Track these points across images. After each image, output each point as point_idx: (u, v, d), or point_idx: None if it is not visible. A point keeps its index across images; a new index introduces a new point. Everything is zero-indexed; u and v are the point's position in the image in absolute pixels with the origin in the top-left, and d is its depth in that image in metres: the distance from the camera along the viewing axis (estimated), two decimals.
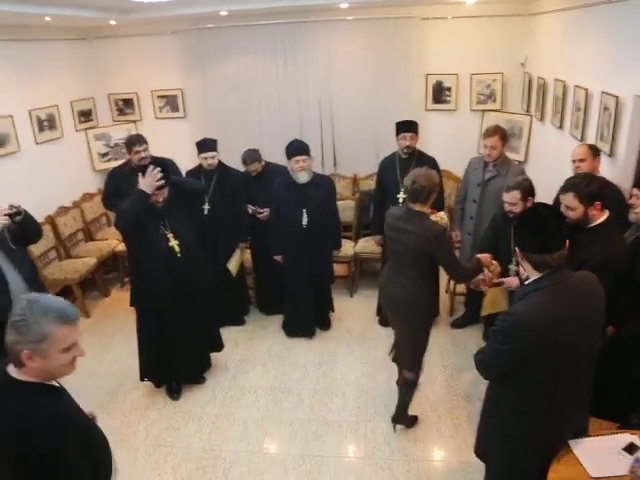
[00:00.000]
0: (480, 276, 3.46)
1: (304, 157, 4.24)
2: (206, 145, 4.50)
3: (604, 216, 2.83)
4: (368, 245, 5.31)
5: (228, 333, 4.88)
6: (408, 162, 4.48)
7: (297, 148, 4.26)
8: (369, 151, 6.15)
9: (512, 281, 3.25)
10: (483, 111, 6.05)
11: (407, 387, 3.59)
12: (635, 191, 3.03)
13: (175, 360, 3.97)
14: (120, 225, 3.73)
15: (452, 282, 5.03)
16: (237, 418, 3.83)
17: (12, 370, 1.70)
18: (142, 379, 4.09)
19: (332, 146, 6.43)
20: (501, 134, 4.18)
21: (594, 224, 2.82)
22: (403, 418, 3.62)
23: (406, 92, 6.05)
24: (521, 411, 2.24)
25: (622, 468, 2.20)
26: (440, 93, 6.09)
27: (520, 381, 2.19)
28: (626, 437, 2.38)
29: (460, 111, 6.13)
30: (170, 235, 3.67)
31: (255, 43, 6.13)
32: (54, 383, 1.79)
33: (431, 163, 4.48)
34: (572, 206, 2.78)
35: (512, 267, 3.46)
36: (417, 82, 6.05)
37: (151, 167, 3.49)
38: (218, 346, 4.36)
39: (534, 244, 2.11)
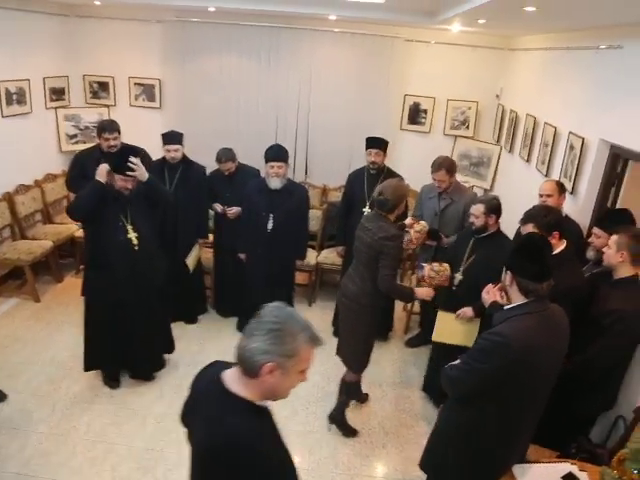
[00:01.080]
0: (422, 272, 3.69)
1: (280, 164, 4.24)
2: (171, 137, 4.46)
3: (562, 246, 2.99)
4: (331, 256, 5.34)
5: (182, 332, 4.82)
6: (376, 177, 4.55)
7: (275, 154, 4.25)
8: (341, 163, 6.19)
9: (466, 312, 3.47)
10: (456, 136, 6.19)
11: (347, 389, 3.68)
12: (596, 230, 3.16)
13: (124, 355, 3.89)
14: (72, 214, 3.67)
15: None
16: None
17: (231, 380, 1.57)
18: (87, 369, 3.99)
19: (305, 154, 6.45)
20: (447, 168, 4.24)
21: (554, 253, 2.91)
22: (340, 423, 3.71)
23: (383, 109, 6.14)
24: (480, 431, 2.29)
25: None
26: (416, 114, 6.20)
27: (485, 401, 2.24)
28: (566, 467, 2.48)
29: (433, 134, 6.25)
30: (130, 227, 3.61)
31: (239, 43, 6.10)
32: (265, 404, 1.63)
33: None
34: None
35: (457, 275, 3.67)
36: (395, 101, 6.14)
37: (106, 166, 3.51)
38: (170, 347, 4.29)
39: (532, 272, 2.17)
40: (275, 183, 4.27)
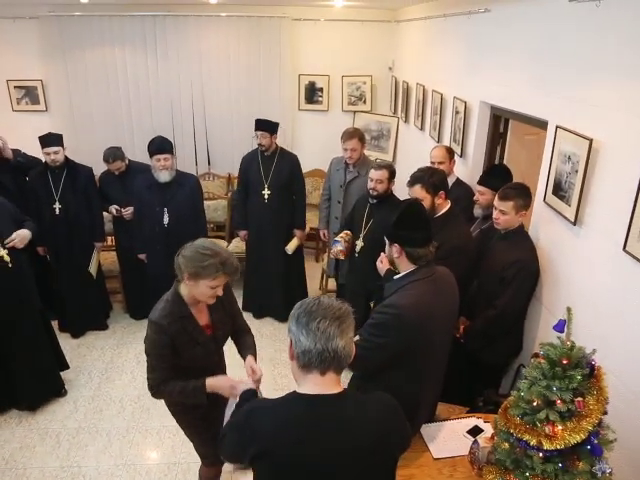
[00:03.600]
0: (339, 247, 3.72)
1: (165, 155, 4.11)
2: (49, 139, 4.22)
3: (447, 206, 3.07)
4: (241, 245, 5.27)
5: (94, 340, 4.67)
6: (270, 158, 4.57)
7: (159, 146, 4.11)
8: (244, 150, 6.05)
9: None
10: (354, 112, 6.25)
11: None
12: (479, 188, 3.29)
13: (13, 382, 3.67)
14: None
15: (325, 279, 5.15)
16: (100, 430, 3.63)
17: (325, 386, 1.51)
18: None
19: (206, 145, 6.31)
20: (359, 136, 4.31)
21: (440, 213, 3.04)
22: None
23: (279, 91, 6.10)
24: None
25: (463, 449, 2.36)
26: (312, 93, 6.20)
27: (388, 372, 2.25)
28: (471, 421, 2.57)
29: (332, 111, 6.29)
30: None
31: (122, 35, 5.84)
32: None
33: (293, 160, 4.67)
34: (421, 197, 2.94)
35: (358, 242, 3.77)
36: (290, 82, 6.11)
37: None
38: (64, 365, 4.07)
39: (417, 238, 2.20)
40: (164, 176, 4.14)
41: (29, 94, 6.10)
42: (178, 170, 4.34)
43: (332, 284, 5.06)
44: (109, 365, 4.33)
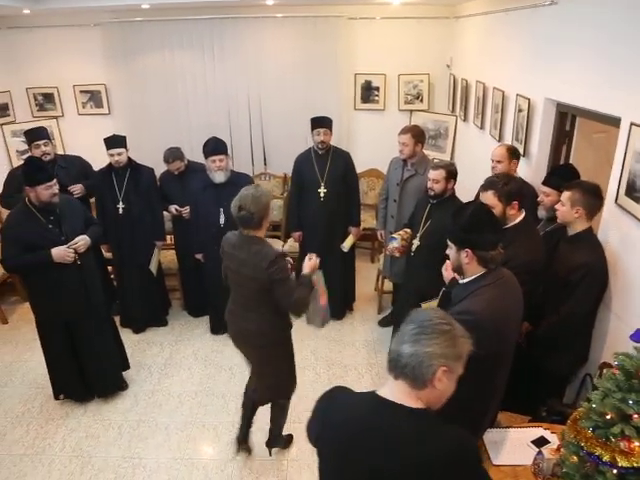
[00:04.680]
0: (394, 244, 3.69)
1: (220, 156, 4.16)
2: (113, 141, 4.37)
3: (521, 216, 2.89)
4: (295, 245, 5.27)
5: (153, 336, 4.80)
6: (324, 157, 4.57)
7: (214, 147, 4.17)
8: (299, 150, 6.11)
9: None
10: (411, 111, 6.16)
11: (281, 410, 3.30)
12: (544, 188, 3.17)
13: (83, 375, 3.85)
14: (7, 269, 3.65)
15: (380, 280, 5.10)
16: (159, 424, 3.73)
17: (400, 398, 1.43)
18: (57, 397, 3.96)
19: (262, 145, 6.37)
20: (413, 133, 4.24)
21: (511, 224, 2.87)
22: (278, 441, 3.41)
23: (335, 91, 6.08)
24: (463, 407, 2.27)
25: (526, 458, 2.28)
26: (369, 93, 6.15)
27: (465, 378, 2.20)
28: (537, 431, 2.48)
29: (388, 111, 6.22)
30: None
31: (181, 39, 5.98)
32: None
33: (346, 157, 4.66)
34: (491, 204, 2.78)
35: (415, 241, 3.73)
36: (346, 81, 6.08)
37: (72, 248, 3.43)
38: (125, 361, 4.19)
39: (488, 240, 2.14)
40: (220, 177, 4.19)
41: (93, 98, 6.35)
42: (233, 170, 4.39)
43: (388, 285, 5.01)
44: (168, 361, 4.44)
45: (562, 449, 1.95)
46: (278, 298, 2.77)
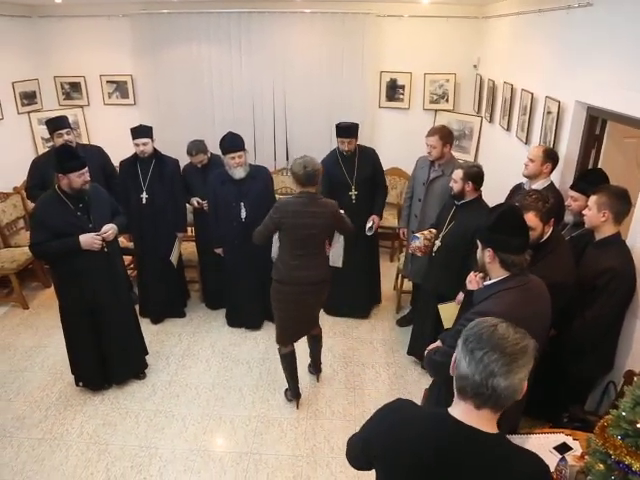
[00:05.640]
0: (416, 243, 3.75)
1: (239, 153, 4.15)
2: (139, 131, 4.40)
3: (550, 229, 2.80)
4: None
5: (172, 327, 4.83)
6: (351, 158, 4.51)
7: (232, 144, 4.14)
8: (323, 146, 6.10)
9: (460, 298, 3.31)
10: (435, 111, 6.11)
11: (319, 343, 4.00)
12: (572, 193, 3.12)
13: (105, 362, 3.89)
14: (36, 257, 3.78)
15: (400, 279, 5.07)
16: (176, 415, 3.75)
17: (472, 420, 1.39)
18: (77, 384, 4.00)
19: (285, 140, 6.37)
20: (441, 134, 4.18)
21: (542, 240, 2.76)
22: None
23: (360, 88, 6.05)
24: None
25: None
26: (394, 91, 6.12)
27: None
28: (559, 437, 2.44)
29: (413, 110, 6.18)
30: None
31: (208, 32, 6.00)
32: None
33: (372, 155, 4.62)
34: (533, 226, 2.62)
35: (437, 242, 3.75)
36: (371, 79, 6.05)
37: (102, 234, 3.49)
38: (144, 349, 4.24)
39: (513, 244, 2.11)
40: (239, 173, 4.19)
41: (119, 88, 6.40)
42: (251, 164, 4.38)
43: (407, 285, 4.98)
44: (186, 352, 4.46)
45: (587, 456, 1.91)
46: (344, 228, 3.61)
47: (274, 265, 3.59)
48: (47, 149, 5.86)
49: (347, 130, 4.41)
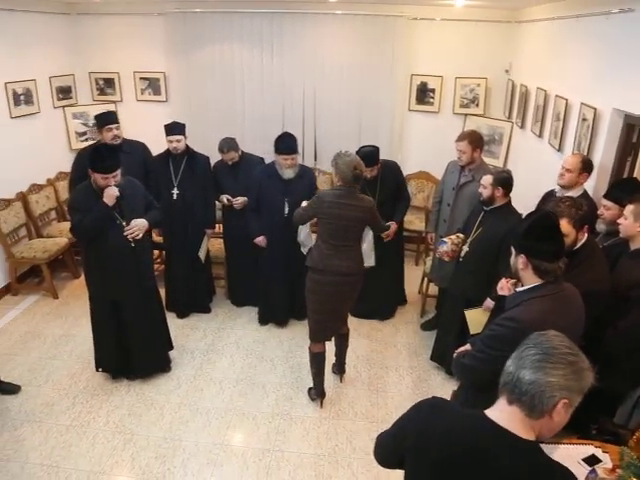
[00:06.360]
0: (444, 248, 3.73)
1: (294, 155, 4.23)
2: (173, 128, 4.46)
3: (585, 237, 2.78)
4: None
5: (197, 322, 4.88)
6: (374, 180, 4.42)
7: (288, 146, 4.20)
8: (351, 147, 6.09)
9: (489, 304, 3.31)
10: (465, 115, 6.07)
11: (346, 342, 4.02)
12: (605, 202, 3.08)
13: (130, 353, 3.94)
14: (77, 237, 3.73)
15: (425, 283, 5.06)
16: (200, 408, 3.80)
17: (506, 420, 1.38)
18: (97, 369, 4.07)
19: (314, 139, 6.39)
20: (470, 139, 4.14)
21: (576, 248, 2.75)
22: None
23: (390, 90, 6.04)
24: None
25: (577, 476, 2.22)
26: (424, 94, 6.09)
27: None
28: (589, 449, 2.41)
29: (442, 113, 6.14)
30: (124, 224, 3.58)
31: (241, 31, 6.05)
32: None
33: (394, 171, 4.59)
34: (566, 232, 2.60)
35: (464, 247, 3.75)
36: (402, 81, 6.03)
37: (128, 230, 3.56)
38: (170, 344, 4.29)
39: (547, 251, 2.08)
40: (289, 174, 4.27)
41: (152, 85, 6.50)
42: (300, 165, 4.44)
43: (432, 289, 4.97)
44: (210, 347, 4.51)
45: (619, 470, 1.89)
46: (377, 225, 3.73)
47: (309, 253, 3.66)
48: (88, 143, 6.00)
49: (370, 159, 4.21)
